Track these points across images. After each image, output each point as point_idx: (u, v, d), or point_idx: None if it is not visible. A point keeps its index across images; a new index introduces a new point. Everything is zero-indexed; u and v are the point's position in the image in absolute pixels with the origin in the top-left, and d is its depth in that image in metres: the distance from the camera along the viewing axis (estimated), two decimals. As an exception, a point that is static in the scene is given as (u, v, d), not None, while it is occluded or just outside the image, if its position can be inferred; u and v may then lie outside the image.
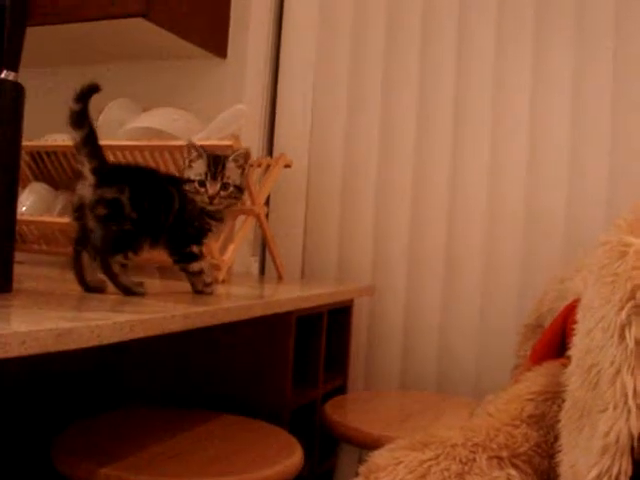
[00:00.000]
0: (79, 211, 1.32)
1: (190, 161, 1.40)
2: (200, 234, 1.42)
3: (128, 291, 1.31)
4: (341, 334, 2.06)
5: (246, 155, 1.44)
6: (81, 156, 1.31)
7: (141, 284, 1.34)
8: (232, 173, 1.40)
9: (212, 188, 1.37)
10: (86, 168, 1.30)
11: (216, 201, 1.38)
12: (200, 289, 1.42)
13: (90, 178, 1.30)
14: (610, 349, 0.94)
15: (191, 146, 1.41)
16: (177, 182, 1.41)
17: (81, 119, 1.30)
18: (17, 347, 0.80)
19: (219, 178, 1.38)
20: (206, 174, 1.38)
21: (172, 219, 1.38)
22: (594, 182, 2.01)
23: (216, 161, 1.39)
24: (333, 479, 1.67)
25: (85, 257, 1.32)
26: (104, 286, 1.33)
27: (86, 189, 1.30)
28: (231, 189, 1.40)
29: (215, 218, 1.43)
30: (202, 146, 1.43)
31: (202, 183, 1.37)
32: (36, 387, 1.70)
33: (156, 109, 2.04)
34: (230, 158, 1.41)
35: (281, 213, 2.27)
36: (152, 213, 1.35)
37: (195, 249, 1.41)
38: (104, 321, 0.93)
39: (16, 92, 1.17)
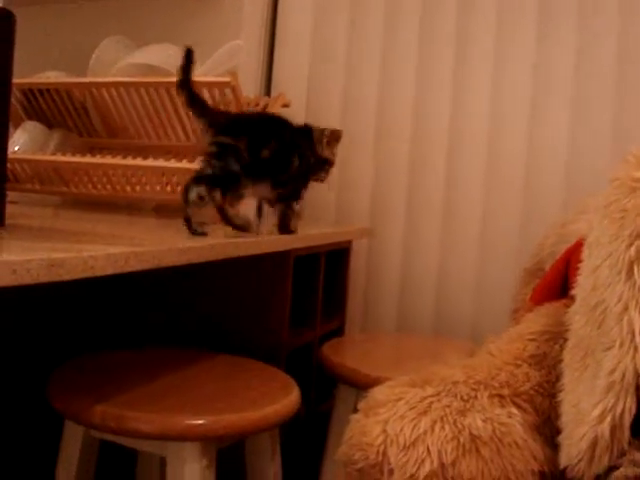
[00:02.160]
0: None
1: (328, 141, 1.48)
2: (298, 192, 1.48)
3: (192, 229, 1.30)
4: (339, 276, 2.04)
5: None
6: (192, 115, 1.40)
7: (205, 224, 1.32)
8: None
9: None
10: (201, 125, 1.37)
11: None
12: (289, 225, 1.49)
13: (209, 132, 1.35)
14: (617, 286, 0.92)
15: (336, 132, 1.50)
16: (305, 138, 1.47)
17: (184, 84, 1.36)
18: (8, 276, 0.77)
19: None
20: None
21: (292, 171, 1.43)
22: (597, 127, 1.98)
23: None
24: (330, 420, 1.66)
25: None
26: (247, 225, 1.38)
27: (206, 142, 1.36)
28: None
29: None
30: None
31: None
32: (33, 325, 1.69)
33: (151, 45, 1.99)
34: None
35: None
36: (269, 160, 1.38)
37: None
38: (98, 252, 0.91)
39: (5, 18, 1.12)
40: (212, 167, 1.33)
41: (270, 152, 1.38)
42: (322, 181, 1.52)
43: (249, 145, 1.35)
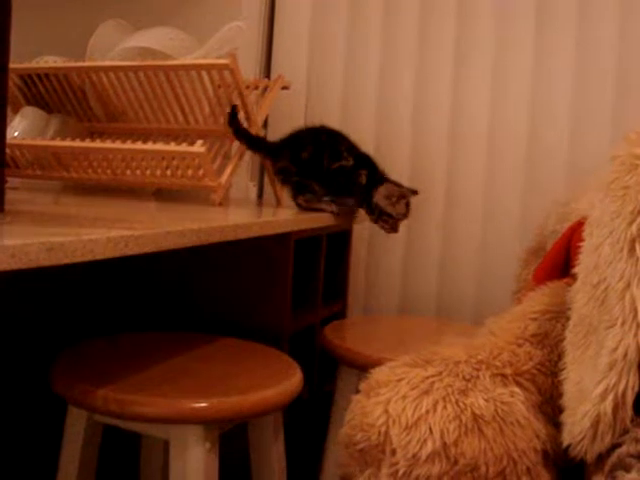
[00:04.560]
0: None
1: (397, 199, 1.67)
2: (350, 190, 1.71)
3: (319, 209, 1.70)
4: (340, 259, 2.04)
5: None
6: (258, 155, 1.86)
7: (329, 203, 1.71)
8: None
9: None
10: (262, 156, 1.83)
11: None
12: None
13: (269, 160, 1.79)
14: (619, 263, 0.92)
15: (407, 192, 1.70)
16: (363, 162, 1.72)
17: (240, 134, 1.76)
18: (7, 260, 0.77)
19: None
20: (404, 215, 1.70)
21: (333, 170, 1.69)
22: (598, 106, 1.97)
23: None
24: (333, 402, 1.67)
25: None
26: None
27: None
28: None
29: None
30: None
31: (394, 225, 1.70)
32: (35, 310, 1.69)
33: (150, 29, 1.98)
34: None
35: (279, 135, 2.22)
36: (312, 163, 1.69)
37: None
38: (98, 236, 0.90)
39: (0, 2, 1.11)
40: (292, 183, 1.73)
41: (308, 154, 1.70)
42: (388, 232, 1.74)
43: (291, 156, 1.71)
